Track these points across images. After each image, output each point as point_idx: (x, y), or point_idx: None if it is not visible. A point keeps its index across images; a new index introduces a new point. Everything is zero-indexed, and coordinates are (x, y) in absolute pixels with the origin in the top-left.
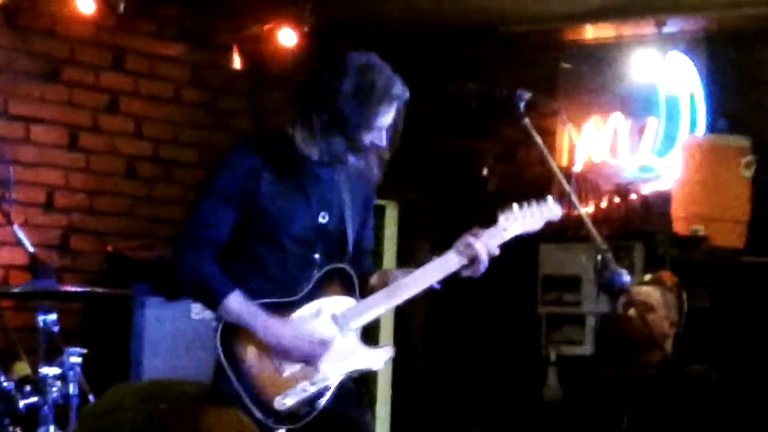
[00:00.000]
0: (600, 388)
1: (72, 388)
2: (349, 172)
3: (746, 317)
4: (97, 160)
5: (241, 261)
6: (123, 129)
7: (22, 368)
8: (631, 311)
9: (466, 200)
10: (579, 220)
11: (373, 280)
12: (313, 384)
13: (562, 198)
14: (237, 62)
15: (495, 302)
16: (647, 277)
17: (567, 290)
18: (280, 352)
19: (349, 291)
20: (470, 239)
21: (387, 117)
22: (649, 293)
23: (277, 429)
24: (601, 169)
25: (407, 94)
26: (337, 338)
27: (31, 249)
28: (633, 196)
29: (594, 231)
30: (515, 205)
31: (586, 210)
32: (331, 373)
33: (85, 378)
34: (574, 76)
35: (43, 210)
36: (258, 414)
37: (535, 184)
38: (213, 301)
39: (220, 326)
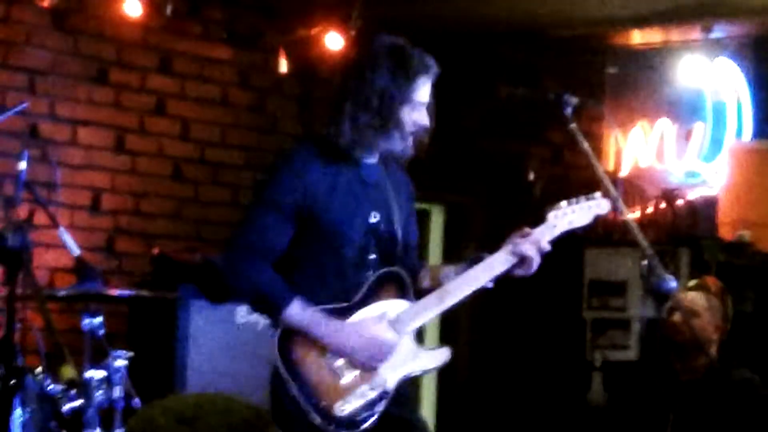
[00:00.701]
0: (645, 392)
1: (117, 392)
2: (390, 168)
3: None
4: (143, 162)
5: (298, 268)
6: (170, 131)
7: (69, 371)
8: (676, 316)
9: (512, 204)
10: (625, 224)
11: (423, 275)
12: (372, 389)
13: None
14: (284, 65)
15: (541, 307)
16: (692, 282)
17: (612, 295)
18: (343, 356)
19: (403, 293)
20: (519, 238)
21: (425, 91)
22: (694, 298)
23: None
24: (648, 174)
25: (439, 69)
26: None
27: (77, 251)
28: (679, 201)
29: (640, 236)
30: (564, 202)
31: (633, 215)
32: (390, 376)
33: (130, 381)
34: (621, 80)
35: (89, 212)
36: (318, 420)
37: (582, 188)
38: (274, 310)
39: (278, 333)
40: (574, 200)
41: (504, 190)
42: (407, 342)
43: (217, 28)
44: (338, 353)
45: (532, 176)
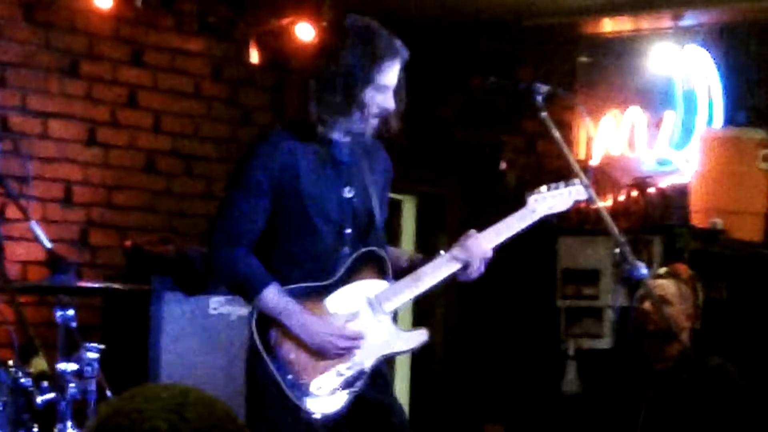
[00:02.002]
0: (618, 381)
1: (90, 384)
2: (368, 147)
3: (765, 310)
4: (115, 154)
5: (275, 248)
6: (142, 123)
7: (40, 364)
8: (647, 304)
9: (486, 194)
10: (597, 213)
11: (399, 255)
12: (349, 368)
13: None
14: (255, 57)
15: (514, 295)
16: (663, 270)
17: (586, 283)
18: (314, 348)
19: (382, 274)
20: (463, 244)
21: (392, 75)
22: (665, 286)
23: (313, 414)
24: (619, 163)
25: (407, 54)
26: (371, 323)
27: (48, 245)
28: (651, 190)
29: (612, 224)
30: (543, 187)
31: (605, 203)
32: (367, 356)
33: (103, 374)
34: (592, 69)
35: (61, 205)
36: (296, 400)
37: (555, 177)
38: (249, 295)
39: (256, 313)
40: (553, 185)
41: (477, 179)
42: (386, 322)
43: (189, 20)
44: (308, 345)
45: (505, 165)
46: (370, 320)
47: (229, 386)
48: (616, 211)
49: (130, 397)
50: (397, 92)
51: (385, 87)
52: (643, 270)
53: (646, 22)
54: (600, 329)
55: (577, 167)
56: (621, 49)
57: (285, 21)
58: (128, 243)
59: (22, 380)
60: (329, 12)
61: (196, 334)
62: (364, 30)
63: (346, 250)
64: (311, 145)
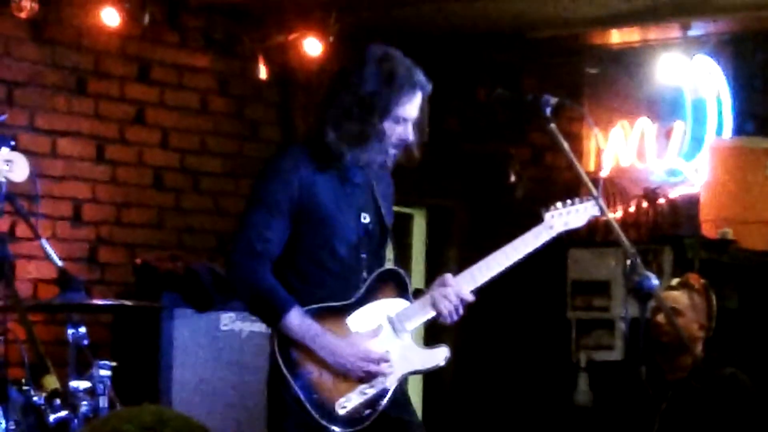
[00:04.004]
0: (631, 392)
1: (102, 402)
2: (372, 170)
3: None
4: (124, 171)
5: (295, 268)
6: (150, 140)
7: (51, 382)
8: (660, 317)
9: (494, 206)
10: (607, 224)
11: None
12: (372, 387)
13: None
14: (263, 72)
15: (525, 308)
16: (674, 281)
17: (596, 295)
18: (339, 370)
19: (401, 292)
20: (440, 288)
21: (411, 107)
22: (677, 297)
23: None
24: (629, 174)
25: (430, 86)
26: (392, 342)
27: (59, 262)
28: (661, 200)
29: (622, 235)
30: (559, 203)
31: (615, 214)
32: (390, 375)
33: (114, 391)
34: (600, 80)
35: (71, 223)
36: (319, 418)
37: (564, 189)
38: (272, 318)
39: (277, 334)
40: (569, 201)
41: (486, 192)
42: (407, 340)
43: (195, 36)
44: (332, 367)
45: (513, 178)
46: (391, 339)
47: (240, 402)
48: (626, 222)
49: (108, 418)
50: (418, 124)
51: (404, 119)
52: (654, 281)
53: (653, 33)
54: (611, 341)
55: (586, 178)
56: (629, 60)
57: (291, 36)
58: (138, 260)
59: (35, 398)
60: (336, 26)
61: (206, 351)
62: (385, 59)
63: (364, 274)
64: (327, 166)
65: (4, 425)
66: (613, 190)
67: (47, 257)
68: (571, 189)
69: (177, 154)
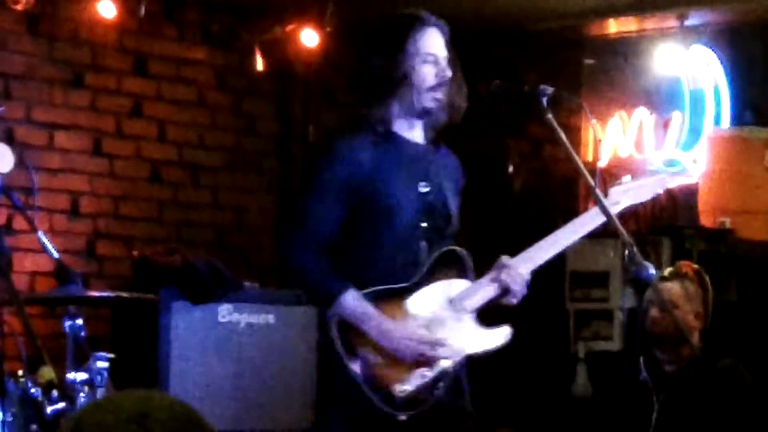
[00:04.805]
0: (629, 383)
1: (99, 394)
2: (441, 151)
3: None
4: (121, 165)
5: (352, 249)
6: (147, 133)
7: (48, 373)
8: (654, 310)
9: (493, 199)
10: (606, 215)
11: None
12: (431, 370)
13: (587, 194)
14: (260, 64)
15: (523, 299)
16: (667, 271)
17: (595, 286)
18: (394, 354)
19: (462, 273)
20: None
21: (428, 41)
22: (671, 289)
23: (399, 416)
24: (627, 164)
25: (443, 24)
26: (453, 323)
27: (56, 255)
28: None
29: (620, 226)
30: (627, 177)
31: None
32: (450, 357)
33: (112, 383)
34: (597, 71)
35: (68, 216)
36: (378, 402)
37: (563, 181)
38: (326, 301)
39: (335, 318)
40: (637, 177)
41: (484, 184)
42: (468, 322)
43: (193, 30)
44: (387, 351)
45: (511, 170)
46: (451, 320)
47: (238, 393)
48: (624, 213)
49: (92, 409)
50: (451, 66)
51: (426, 54)
52: (651, 271)
53: (651, 23)
54: (610, 331)
55: (583, 169)
56: (626, 50)
57: (288, 28)
58: (136, 253)
59: (32, 391)
60: (332, 18)
61: (204, 343)
62: (385, 17)
63: (423, 244)
64: (383, 144)
65: (1, 417)
66: (611, 180)
67: (44, 250)
68: (570, 181)
69: (175, 147)
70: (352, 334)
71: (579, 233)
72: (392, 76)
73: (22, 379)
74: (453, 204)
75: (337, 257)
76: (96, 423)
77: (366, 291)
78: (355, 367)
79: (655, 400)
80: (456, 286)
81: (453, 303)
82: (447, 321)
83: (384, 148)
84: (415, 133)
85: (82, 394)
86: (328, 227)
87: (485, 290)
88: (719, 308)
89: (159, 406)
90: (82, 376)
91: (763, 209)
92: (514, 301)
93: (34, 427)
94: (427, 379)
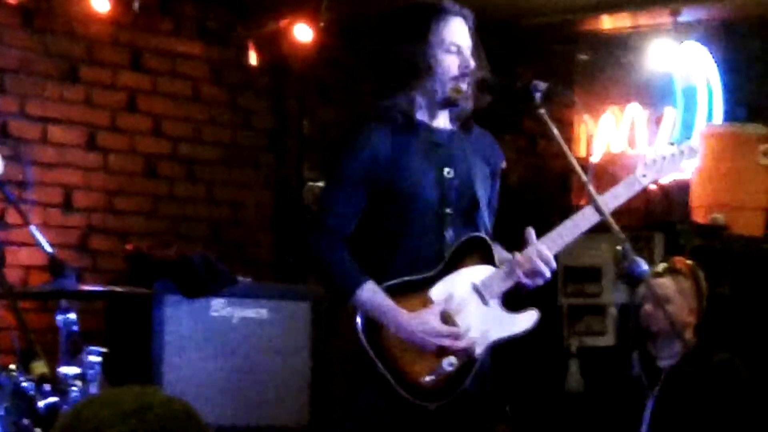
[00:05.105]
0: (622, 378)
1: (92, 388)
2: (472, 134)
3: None
4: (115, 159)
5: (376, 237)
6: (142, 128)
7: (40, 367)
8: (648, 306)
9: None
10: (598, 210)
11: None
12: (459, 358)
13: (581, 189)
14: (254, 59)
15: (515, 293)
16: (660, 267)
17: (588, 281)
18: (413, 346)
19: (486, 259)
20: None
21: (451, 30)
22: (664, 284)
23: (428, 406)
24: (620, 160)
25: (466, 11)
26: (478, 309)
27: (49, 249)
28: (652, 186)
29: (613, 221)
30: (653, 150)
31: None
32: (477, 344)
33: (107, 378)
34: (591, 67)
35: (62, 210)
36: (406, 394)
37: (557, 175)
38: (345, 293)
39: (359, 312)
40: (664, 150)
41: None
42: (494, 307)
43: (188, 24)
44: (407, 342)
45: (506, 165)
46: (477, 307)
47: (232, 388)
48: (617, 208)
49: (89, 403)
50: (475, 55)
51: (449, 43)
52: (644, 266)
53: (644, 19)
54: (603, 327)
55: (576, 164)
56: (620, 46)
57: (283, 23)
58: (129, 247)
59: (24, 384)
60: (326, 13)
61: (198, 337)
62: (406, 6)
63: (450, 231)
64: (407, 133)
65: None
66: (603, 176)
67: (38, 244)
68: (563, 175)
69: (170, 142)
70: (378, 327)
71: (613, 205)
72: (415, 66)
73: (14, 373)
74: (482, 187)
75: (364, 247)
76: (94, 415)
77: (387, 284)
78: (381, 359)
79: (648, 396)
80: (480, 272)
81: (478, 290)
82: (472, 308)
83: (405, 136)
84: (439, 120)
85: (74, 388)
86: (352, 219)
87: (510, 276)
88: (713, 303)
89: (158, 402)
90: (74, 370)
91: (755, 205)
92: (529, 285)
93: (25, 421)
94: (453, 368)
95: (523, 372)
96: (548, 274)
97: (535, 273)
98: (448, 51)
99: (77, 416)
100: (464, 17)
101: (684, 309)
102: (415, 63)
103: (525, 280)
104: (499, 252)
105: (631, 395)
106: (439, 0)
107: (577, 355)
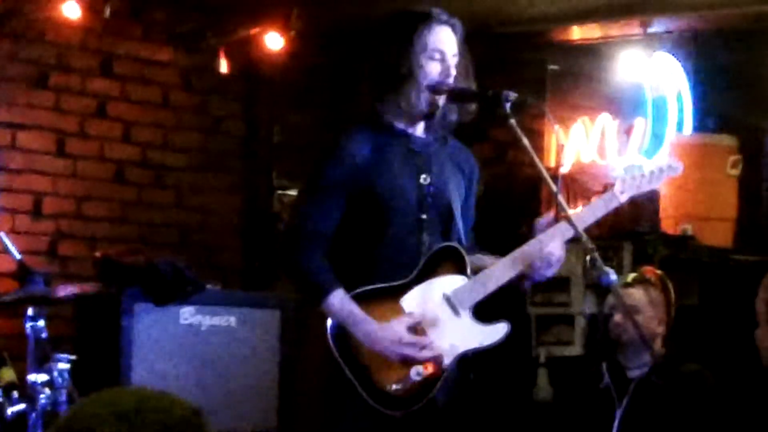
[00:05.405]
0: (591, 388)
1: (61, 395)
2: (450, 146)
3: (736, 315)
4: (85, 165)
5: (353, 243)
6: (111, 134)
7: (8, 374)
8: (618, 316)
9: None
10: (567, 220)
11: (482, 258)
12: (426, 368)
13: (550, 199)
14: (224, 66)
15: (484, 303)
16: (630, 277)
17: (556, 291)
18: (381, 356)
19: (459, 269)
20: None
21: (437, 38)
22: (634, 295)
23: (394, 414)
24: (590, 170)
25: (455, 20)
26: (448, 320)
27: (18, 256)
28: None
29: (582, 232)
30: (632, 166)
31: (575, 211)
32: (445, 354)
33: (74, 384)
34: (561, 77)
35: (31, 216)
36: (372, 402)
37: (526, 185)
38: (316, 300)
39: (330, 319)
40: (643, 166)
41: None
42: (465, 318)
43: (158, 30)
44: (374, 352)
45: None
46: (447, 318)
47: (201, 395)
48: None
49: (89, 402)
50: (460, 65)
51: (433, 51)
52: (613, 276)
53: (614, 30)
54: (571, 336)
55: (545, 174)
56: (590, 56)
57: (254, 30)
58: (98, 254)
59: None
60: (297, 21)
61: (167, 344)
62: (395, 13)
63: (424, 237)
64: (386, 139)
65: None
66: (573, 186)
67: (6, 251)
68: (533, 185)
69: (139, 148)
70: (348, 334)
71: (588, 221)
72: (397, 71)
73: None
74: (457, 197)
75: (340, 252)
76: (90, 415)
77: (359, 291)
78: (350, 368)
79: (617, 406)
80: (453, 282)
81: (449, 300)
82: (442, 318)
83: (384, 142)
84: (418, 128)
85: (42, 396)
86: (330, 224)
87: (483, 287)
88: (681, 313)
89: (154, 407)
90: (43, 377)
91: (724, 215)
92: (549, 273)
93: None
94: (420, 378)
95: (491, 381)
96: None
97: (544, 263)
98: (431, 57)
99: (74, 414)
100: (453, 27)
101: (654, 319)
102: (398, 68)
103: (539, 269)
104: (480, 260)
105: (600, 405)
106: (429, 8)
107: (545, 364)
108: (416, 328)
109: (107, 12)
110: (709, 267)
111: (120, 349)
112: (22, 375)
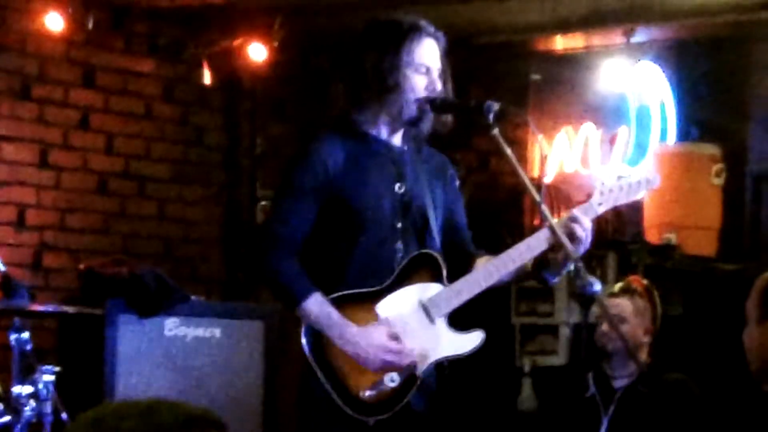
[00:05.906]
0: (575, 397)
1: (46, 407)
2: (424, 152)
3: (720, 324)
4: (68, 177)
5: (326, 249)
6: (94, 145)
7: None
8: (604, 325)
9: None
10: (551, 229)
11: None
12: (401, 375)
13: (533, 208)
14: (207, 77)
15: (468, 313)
16: (616, 287)
17: (540, 300)
18: (358, 361)
19: (436, 276)
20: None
21: (423, 52)
22: (620, 304)
23: (366, 420)
24: (573, 179)
25: (441, 35)
26: (423, 327)
27: (1, 267)
28: None
29: (566, 241)
30: (613, 177)
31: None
32: (419, 362)
33: (59, 396)
34: (544, 86)
35: (15, 228)
36: (347, 409)
37: (509, 194)
38: (292, 304)
39: (305, 324)
40: (624, 176)
41: None
42: (440, 326)
43: (140, 41)
44: (351, 357)
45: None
46: (422, 325)
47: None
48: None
49: (102, 416)
50: (441, 76)
51: (418, 65)
52: (597, 286)
53: (597, 39)
54: (555, 346)
55: (529, 184)
56: (573, 65)
57: (236, 42)
58: (82, 266)
59: None
60: (280, 32)
61: (151, 356)
62: (381, 21)
63: (399, 245)
64: (360, 145)
65: None
66: (557, 196)
67: None
68: (516, 194)
69: (122, 159)
70: (321, 338)
71: (535, 251)
72: (383, 82)
73: None
74: (432, 206)
75: (315, 257)
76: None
77: (334, 296)
78: (323, 371)
79: (603, 415)
80: (429, 289)
81: (424, 307)
82: (417, 326)
83: (358, 149)
84: (394, 137)
85: (27, 408)
86: (303, 229)
87: (458, 296)
88: (665, 322)
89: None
90: (28, 389)
91: (708, 224)
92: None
93: None
94: (395, 384)
95: (475, 391)
96: (587, 241)
97: (574, 237)
98: (417, 71)
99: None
100: (437, 39)
101: (639, 329)
102: (384, 78)
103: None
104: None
105: (585, 415)
106: (415, 19)
107: (530, 374)
108: (393, 335)
109: (90, 24)
110: (692, 276)
111: (104, 360)
112: (6, 387)
